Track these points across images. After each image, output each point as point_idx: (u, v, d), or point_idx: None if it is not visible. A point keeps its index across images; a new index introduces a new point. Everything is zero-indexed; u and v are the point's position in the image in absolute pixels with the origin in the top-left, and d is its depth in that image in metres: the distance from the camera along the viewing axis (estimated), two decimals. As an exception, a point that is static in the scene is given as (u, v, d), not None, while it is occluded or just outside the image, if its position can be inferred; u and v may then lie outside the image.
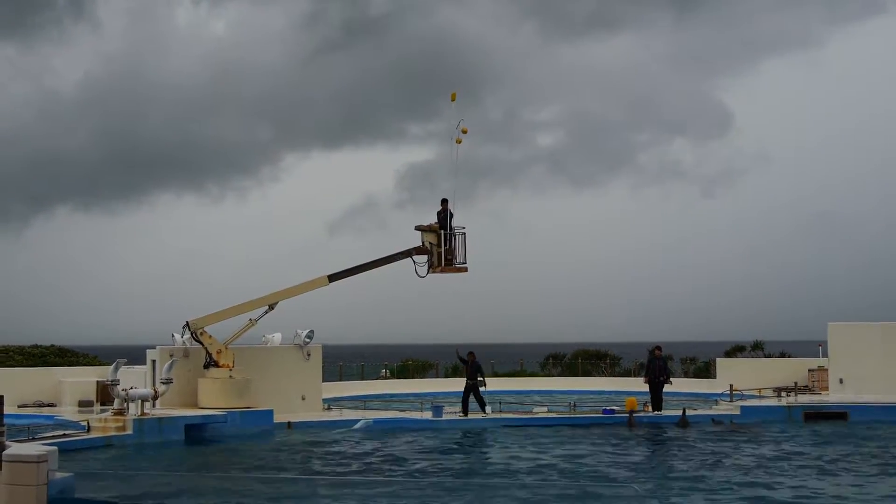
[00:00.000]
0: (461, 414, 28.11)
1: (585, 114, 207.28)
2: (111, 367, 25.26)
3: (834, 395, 31.19)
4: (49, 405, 31.45)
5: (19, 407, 30.30)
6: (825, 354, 33.67)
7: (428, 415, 28.04)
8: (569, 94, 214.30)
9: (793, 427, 26.59)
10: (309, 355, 29.90)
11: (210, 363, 27.23)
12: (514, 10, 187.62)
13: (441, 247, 28.49)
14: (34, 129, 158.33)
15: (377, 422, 27.14)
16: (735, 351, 47.94)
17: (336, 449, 22.79)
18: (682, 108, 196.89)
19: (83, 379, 32.53)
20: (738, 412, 28.13)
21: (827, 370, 32.98)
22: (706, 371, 43.79)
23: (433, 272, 28.69)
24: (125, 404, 24.36)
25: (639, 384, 31.52)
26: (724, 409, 29.49)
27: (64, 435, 22.76)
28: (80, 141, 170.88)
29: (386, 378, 43.76)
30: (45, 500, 12.63)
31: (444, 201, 28.90)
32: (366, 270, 29.05)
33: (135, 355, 32.32)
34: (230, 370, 27.23)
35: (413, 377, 44.02)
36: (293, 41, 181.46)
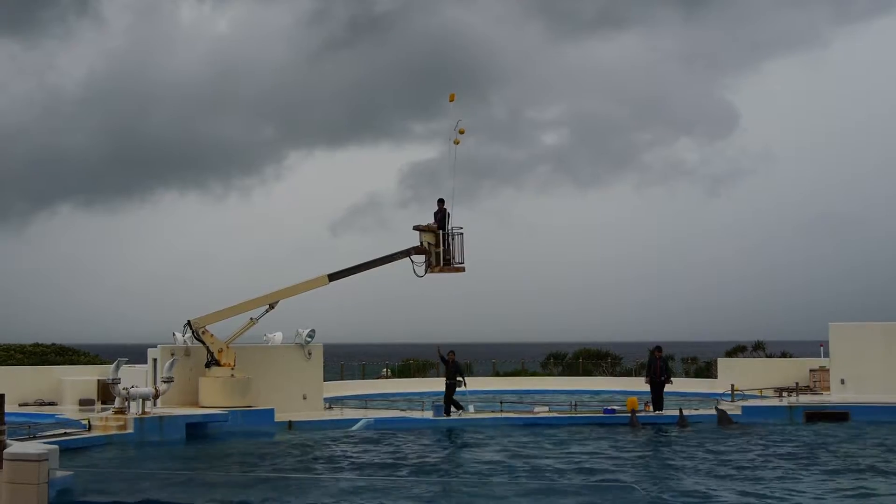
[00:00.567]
0: (458, 413, 28.12)
1: (590, 113, 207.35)
2: (112, 366, 25.27)
3: (835, 396, 31.16)
4: (50, 404, 31.47)
5: (20, 405, 30.34)
6: (826, 354, 33.64)
7: (429, 414, 28.05)
8: (574, 94, 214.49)
9: (794, 427, 26.58)
10: (310, 354, 29.90)
11: (211, 362, 27.23)
12: (520, 9, 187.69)
13: (439, 247, 28.59)
14: (37, 126, 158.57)
15: (378, 421, 27.14)
16: (736, 351, 47.94)
17: (336, 448, 22.79)
18: (687, 108, 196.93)
19: (84, 377, 32.56)
20: (739, 412, 28.11)
21: (828, 370, 32.94)
22: (707, 371, 43.79)
23: (431, 272, 28.85)
24: (126, 403, 24.37)
25: (640, 384, 31.51)
26: (726, 408, 29.44)
27: (65, 434, 22.77)
28: (83, 138, 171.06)
29: (387, 377, 43.76)
30: (46, 498, 12.64)
31: (441, 201, 29.06)
32: (365, 270, 29.12)
33: (136, 354, 32.33)
34: (231, 369, 27.23)
35: (414, 376, 43.99)
36: (297, 39, 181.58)
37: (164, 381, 25.78)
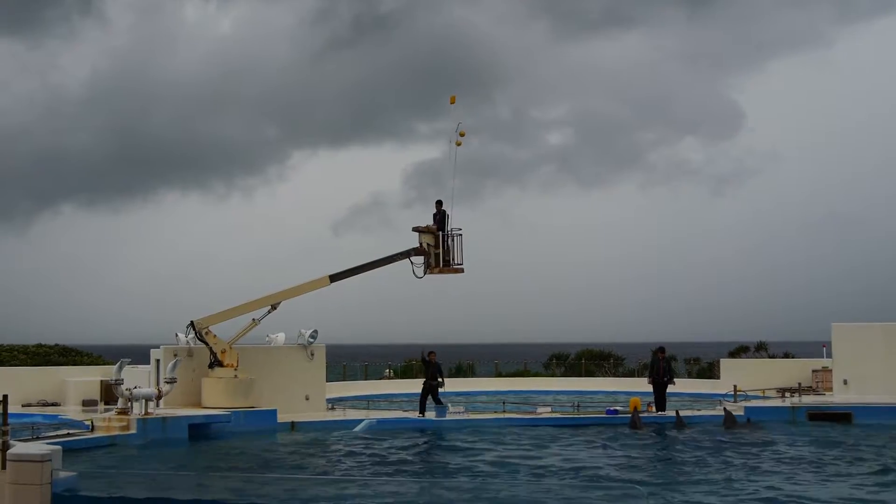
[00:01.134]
0: (420, 414, 28.12)
1: (594, 113, 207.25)
2: (115, 367, 25.32)
3: (838, 396, 31.15)
4: (53, 404, 31.52)
5: (23, 406, 30.37)
6: (829, 355, 33.64)
7: (431, 415, 28.05)
8: (578, 93, 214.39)
9: (797, 427, 26.57)
10: (313, 355, 29.93)
11: (214, 363, 27.26)
12: (524, 8, 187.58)
13: (438, 248, 28.67)
14: (40, 125, 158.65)
15: (381, 422, 27.15)
16: (739, 351, 47.95)
17: (339, 449, 22.81)
18: (692, 107, 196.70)
19: (87, 378, 32.59)
20: (741, 413, 28.10)
21: (831, 371, 32.94)
22: (710, 372, 43.78)
23: (430, 273, 28.91)
24: (129, 404, 24.40)
25: (643, 384, 31.50)
26: (729, 409, 29.45)
27: (68, 434, 22.79)
28: (86, 138, 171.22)
29: (390, 378, 43.78)
30: (49, 499, 12.66)
31: (439, 203, 29.15)
32: (366, 271, 29.17)
33: (139, 355, 32.35)
34: (234, 370, 27.26)
35: (417, 377, 43.79)
36: (301, 38, 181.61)
37: (167, 382, 25.81)
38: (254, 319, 28.16)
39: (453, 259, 29.07)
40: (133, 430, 23.43)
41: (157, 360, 28.56)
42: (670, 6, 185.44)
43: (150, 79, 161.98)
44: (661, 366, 29.55)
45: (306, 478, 17.42)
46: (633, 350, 56.87)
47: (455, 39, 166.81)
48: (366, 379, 42.85)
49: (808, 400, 30.61)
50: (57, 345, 41.54)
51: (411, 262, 29.04)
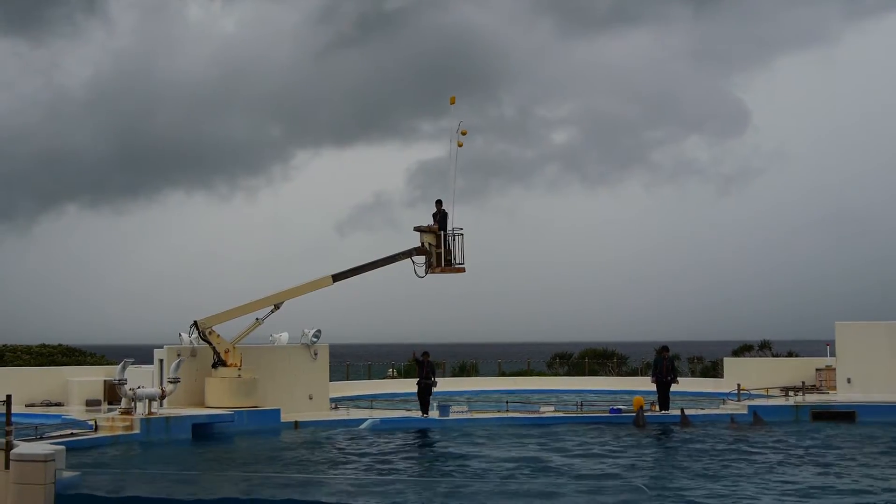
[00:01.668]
0: (424, 414, 28.07)
1: (600, 111, 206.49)
2: (119, 367, 25.34)
3: (842, 395, 31.12)
4: (56, 404, 31.53)
5: (27, 406, 30.38)
6: (833, 354, 33.61)
7: (435, 414, 28.04)
8: (584, 91, 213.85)
9: (801, 426, 26.56)
10: (316, 355, 29.94)
11: (218, 362, 27.28)
12: (530, 6, 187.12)
13: (439, 247, 28.70)
14: (43, 125, 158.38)
15: (384, 421, 27.16)
16: (742, 350, 47.89)
17: (342, 448, 22.81)
18: (698, 106, 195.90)
19: (91, 378, 32.61)
20: (745, 412, 28.08)
21: (834, 369, 32.91)
22: (713, 370, 43.75)
23: (432, 272, 28.97)
24: (132, 403, 24.42)
25: (646, 383, 31.45)
26: (732, 408, 29.46)
27: (71, 434, 22.82)
28: (89, 138, 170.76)
29: (393, 377, 43.75)
30: (53, 498, 12.67)
31: (439, 202, 29.21)
32: (368, 270, 29.23)
33: (142, 354, 32.38)
34: (238, 369, 27.27)
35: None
36: (305, 37, 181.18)
37: (171, 382, 25.83)
38: (257, 319, 28.19)
39: (455, 258, 29.13)
40: (136, 430, 23.45)
41: (161, 360, 28.58)
42: (677, 3, 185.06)
43: (153, 78, 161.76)
44: (664, 365, 29.52)
45: (311, 477, 17.42)
46: (637, 349, 56.89)
47: (460, 38, 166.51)
48: (369, 378, 42.82)
49: (812, 399, 30.58)
50: (60, 345, 41.57)
51: (413, 262, 29.10)
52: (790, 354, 44.35)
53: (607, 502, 14.43)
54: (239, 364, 27.38)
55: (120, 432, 23.34)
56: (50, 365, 36.60)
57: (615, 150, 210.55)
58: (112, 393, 29.94)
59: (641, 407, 28.03)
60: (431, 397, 28.63)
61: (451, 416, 27.74)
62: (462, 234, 29.16)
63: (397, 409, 30.09)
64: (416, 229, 29.22)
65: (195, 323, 27.36)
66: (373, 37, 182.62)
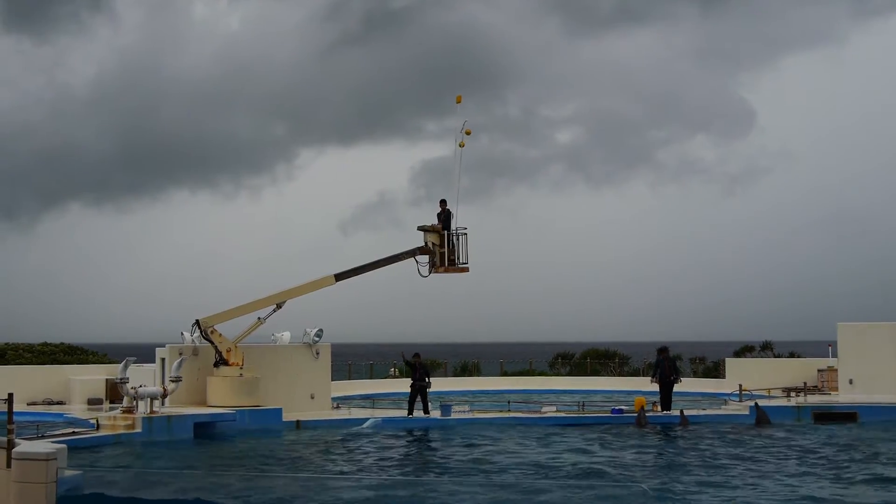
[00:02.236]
0: (409, 414, 28.01)
1: (605, 111, 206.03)
2: (121, 366, 25.37)
3: (843, 396, 31.11)
4: (58, 403, 31.57)
5: (29, 405, 30.41)
6: (835, 355, 33.59)
7: (437, 413, 28.05)
8: (589, 91, 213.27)
9: (803, 427, 26.56)
10: (318, 354, 29.95)
11: (220, 361, 27.29)
12: (537, 5, 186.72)
13: (443, 247, 28.71)
14: (46, 123, 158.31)
15: (386, 421, 27.18)
16: (744, 351, 47.89)
17: (344, 448, 22.83)
18: (704, 105, 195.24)
19: (93, 377, 32.63)
20: (746, 412, 28.07)
21: (836, 370, 32.90)
22: (715, 371, 43.74)
23: (436, 272, 28.99)
24: (134, 402, 24.44)
25: (648, 383, 31.37)
26: (734, 409, 29.47)
27: (73, 433, 22.84)
28: (93, 136, 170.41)
29: (395, 377, 43.75)
30: (55, 497, 12.68)
31: (443, 202, 29.24)
32: (371, 270, 29.23)
33: (145, 353, 32.39)
34: (240, 368, 27.29)
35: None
36: (310, 35, 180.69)
37: (173, 381, 25.84)
38: (259, 318, 28.21)
39: (458, 258, 29.15)
40: (138, 429, 23.47)
41: (163, 359, 28.59)
42: (683, 2, 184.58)
43: (158, 76, 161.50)
44: (666, 365, 29.52)
45: (313, 476, 17.43)
46: (639, 349, 56.87)
47: (465, 36, 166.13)
48: (371, 378, 42.85)
49: (814, 400, 30.58)
50: (62, 343, 41.59)
51: (416, 262, 29.11)
52: (792, 355, 44.31)
53: (608, 502, 14.43)
54: (241, 363, 27.40)
55: (121, 431, 23.36)
56: (52, 363, 36.62)
57: (620, 149, 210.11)
58: (114, 392, 29.96)
59: (643, 407, 28.03)
60: (429, 398, 28.58)
61: (453, 416, 27.74)
62: (466, 234, 29.21)
63: (400, 409, 30.08)
64: (420, 229, 29.25)
65: (197, 322, 27.38)
66: (378, 35, 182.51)
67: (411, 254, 29.13)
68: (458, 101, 29.63)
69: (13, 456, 12.83)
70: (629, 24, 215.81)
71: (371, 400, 32.78)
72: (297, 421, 26.54)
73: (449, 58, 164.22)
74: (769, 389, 33.44)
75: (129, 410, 24.18)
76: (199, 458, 21.55)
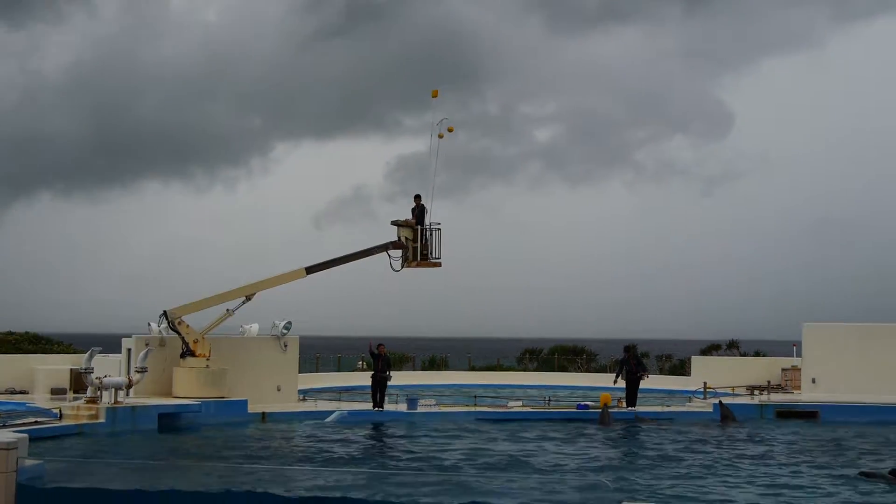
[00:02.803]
0: (378, 407, 27.95)
1: (586, 109, 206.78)
2: (86, 355, 25.22)
3: (806, 395, 31.42)
4: (21, 392, 31.37)
5: (-8, 393, 30.23)
6: (799, 354, 33.91)
7: (403, 407, 28.11)
8: (570, 89, 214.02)
9: (765, 424, 26.82)
10: (286, 346, 29.91)
11: (186, 353, 27.22)
12: (522, 2, 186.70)
13: (416, 242, 28.78)
14: (18, 110, 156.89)
15: (352, 414, 27.21)
16: (711, 349, 48.27)
17: (309, 440, 22.85)
18: (683, 106, 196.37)
19: (57, 367, 32.44)
20: (710, 409, 28.30)
21: (800, 370, 33.22)
22: (682, 369, 44.05)
23: (408, 267, 29.04)
24: (98, 392, 24.32)
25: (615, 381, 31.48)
26: (698, 406, 29.70)
27: (35, 422, 22.70)
28: (66, 125, 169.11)
29: (362, 370, 43.74)
30: (14, 487, 12.63)
31: (418, 197, 29.30)
32: (343, 263, 29.25)
33: (111, 344, 32.26)
34: (206, 360, 27.23)
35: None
36: (288, 27, 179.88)
37: (138, 371, 25.75)
38: (228, 310, 28.16)
39: (431, 253, 29.22)
40: (102, 419, 23.33)
41: (129, 350, 28.50)
42: (667, 2, 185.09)
43: (133, 66, 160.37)
44: (632, 363, 29.75)
45: (275, 468, 17.44)
46: (608, 346, 57.17)
47: (448, 31, 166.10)
48: (339, 371, 42.83)
49: (777, 398, 30.90)
50: (27, 332, 41.34)
51: (389, 256, 29.15)
52: (757, 354, 44.72)
53: (569, 498, 14.52)
54: (208, 354, 27.34)
55: (85, 421, 23.23)
56: (16, 352, 36.39)
57: (599, 148, 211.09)
58: (78, 382, 29.78)
59: (607, 404, 28.20)
60: (387, 391, 28.55)
61: (419, 410, 27.79)
62: (439, 230, 29.28)
63: (366, 402, 30.10)
64: (393, 223, 29.30)
65: (165, 313, 27.30)
66: (359, 28, 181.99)
67: (384, 248, 29.16)
68: (434, 96, 29.69)
69: (-27, 445, 12.77)
70: (613, 24, 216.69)
71: (338, 393, 32.75)
72: (263, 413, 26.53)
73: (430, 53, 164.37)
74: (733, 387, 33.70)
75: (93, 400, 24.05)
76: (162, 449, 21.50)
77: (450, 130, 28.92)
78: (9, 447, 12.72)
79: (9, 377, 31.98)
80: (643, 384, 30.06)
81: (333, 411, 27.22)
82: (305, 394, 31.07)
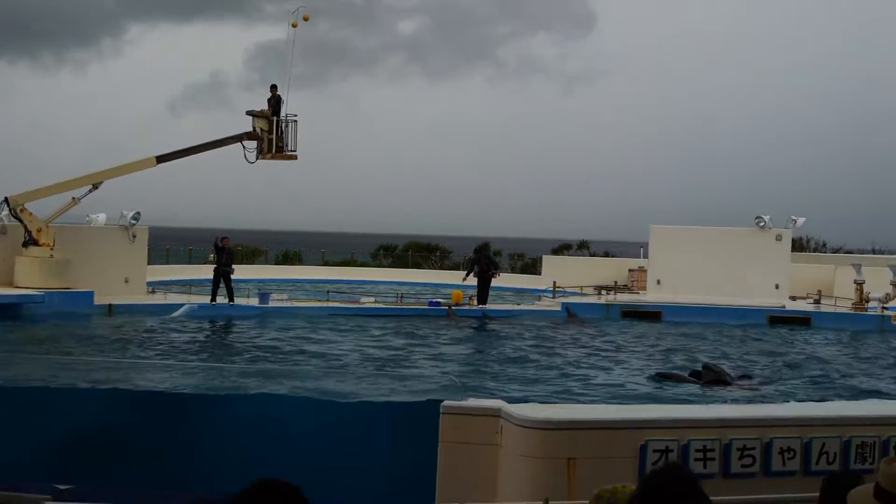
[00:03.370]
0: (212, 302, 27.72)
1: (448, 3, 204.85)
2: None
3: (651, 295, 32.37)
4: None
5: None
6: (646, 256, 34.86)
7: (254, 301, 27.92)
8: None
9: (610, 323, 27.60)
10: (134, 237, 29.24)
11: (29, 241, 26.35)
12: None
13: (271, 133, 28.33)
14: None
15: (201, 307, 26.88)
16: (562, 249, 49.21)
17: (154, 332, 22.53)
18: (547, 4, 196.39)
19: None
20: (559, 308, 28.94)
21: (646, 271, 34.18)
22: (533, 268, 44.83)
23: (263, 158, 28.63)
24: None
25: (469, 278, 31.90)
26: (547, 304, 30.33)
27: None
28: None
29: (214, 263, 43.18)
30: None
31: (274, 87, 28.79)
32: (196, 153, 28.66)
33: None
34: (50, 249, 26.43)
35: (241, 263, 43.38)
36: None
37: (-23, 260, 24.86)
38: (73, 198, 27.34)
39: (287, 145, 28.84)
40: (-62, 308, 22.55)
41: (-32, 237, 27.44)
42: None
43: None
44: (483, 261, 30.13)
45: (116, 360, 17.15)
46: (462, 244, 57.68)
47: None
48: (189, 263, 42.16)
49: (623, 298, 31.74)
50: None
51: (244, 147, 28.60)
52: (606, 255, 45.81)
53: (416, 392, 14.71)
54: (52, 244, 26.54)
55: (-80, 310, 22.41)
56: None
57: (462, 43, 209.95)
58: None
59: (459, 301, 28.58)
60: (243, 285, 28.25)
61: (271, 304, 27.64)
62: (296, 121, 28.85)
63: (220, 296, 29.79)
64: (249, 113, 28.74)
65: (6, 199, 26.32)
66: None
67: (238, 138, 28.59)
68: None
69: None
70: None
71: (188, 286, 32.28)
72: (110, 305, 25.96)
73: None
74: (582, 287, 34.52)
75: (-71, 289, 23.19)
76: (1, 341, 20.89)
77: (305, 19, 28.35)
78: None
79: None
80: (495, 282, 30.51)
81: (183, 304, 26.84)
82: (154, 286, 30.52)
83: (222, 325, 24.98)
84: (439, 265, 46.39)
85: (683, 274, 32.14)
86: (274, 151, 28.64)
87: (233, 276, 28.21)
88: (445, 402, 9.53)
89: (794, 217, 33.59)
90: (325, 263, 45.95)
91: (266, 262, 45.21)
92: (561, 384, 16.84)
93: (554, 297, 31.62)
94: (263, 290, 29.25)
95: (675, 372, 18.16)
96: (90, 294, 26.13)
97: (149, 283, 30.08)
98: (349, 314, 27.27)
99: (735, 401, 14.80)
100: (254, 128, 28.61)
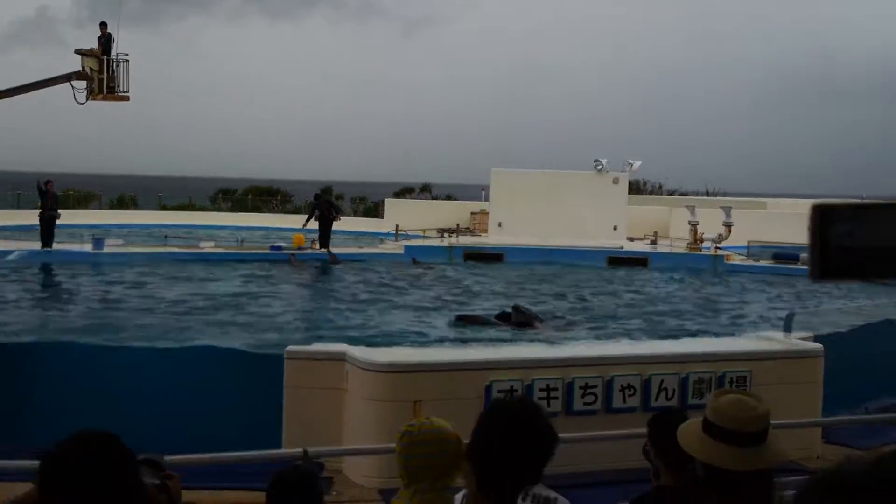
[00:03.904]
0: (45, 247, 26.73)
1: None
2: None
3: (492, 238, 32.73)
4: None
5: None
6: (487, 199, 35.18)
7: (88, 247, 27.02)
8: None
9: (453, 266, 27.85)
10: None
11: None
12: None
13: (102, 73, 27.35)
14: None
15: (33, 254, 25.90)
16: (404, 192, 49.27)
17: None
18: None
19: None
20: (402, 251, 29.00)
21: (488, 213, 34.52)
22: (375, 211, 44.78)
23: (94, 99, 27.62)
24: None
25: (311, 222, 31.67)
26: (390, 248, 30.35)
27: None
28: None
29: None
30: None
31: (104, 25, 27.80)
32: (21, 94, 27.35)
33: None
34: None
35: (75, 208, 41.97)
36: None
37: None
38: None
39: (118, 86, 27.90)
40: None
41: None
42: None
43: None
44: (324, 207, 29.89)
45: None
46: (303, 188, 57.17)
47: None
48: (18, 208, 40.50)
49: (465, 241, 31.98)
50: None
51: (73, 87, 27.47)
52: (448, 198, 46.08)
53: (256, 338, 14.58)
54: None
55: None
56: None
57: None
58: None
59: (301, 245, 28.35)
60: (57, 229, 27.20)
61: (106, 250, 26.79)
62: (127, 61, 27.88)
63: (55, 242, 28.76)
64: (77, 52, 27.62)
65: None
66: None
67: (66, 78, 27.43)
68: None
69: None
70: None
71: (18, 232, 31.05)
72: (-67, 252, 24.80)
73: None
74: (424, 230, 34.64)
75: None
76: None
77: None
78: None
79: None
80: (336, 226, 30.33)
81: (13, 251, 25.81)
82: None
83: (55, 271, 24.14)
84: (280, 209, 45.87)
85: (524, 217, 32.60)
86: (105, 92, 27.67)
87: (58, 221, 27.11)
88: (289, 348, 9.45)
89: (630, 161, 34.38)
90: (162, 208, 44.87)
91: (100, 207, 43.84)
92: (405, 327, 16.93)
93: (397, 241, 31.66)
94: (97, 235, 28.31)
95: (477, 314, 18.32)
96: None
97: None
98: (188, 259, 26.70)
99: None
100: (83, 67, 27.54)
